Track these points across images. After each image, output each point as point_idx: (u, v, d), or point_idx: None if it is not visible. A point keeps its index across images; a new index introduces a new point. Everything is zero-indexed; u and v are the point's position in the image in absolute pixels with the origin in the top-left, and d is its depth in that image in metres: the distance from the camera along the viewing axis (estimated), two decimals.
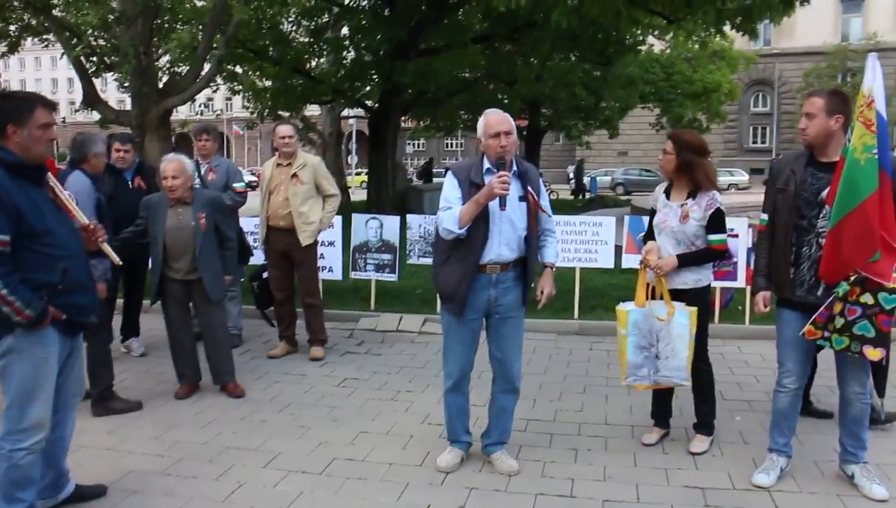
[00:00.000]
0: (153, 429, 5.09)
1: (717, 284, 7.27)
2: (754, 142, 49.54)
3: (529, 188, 4.21)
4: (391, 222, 8.56)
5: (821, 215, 3.90)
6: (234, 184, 7.04)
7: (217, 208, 5.84)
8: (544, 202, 4.35)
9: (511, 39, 17.28)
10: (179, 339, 5.85)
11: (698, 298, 4.60)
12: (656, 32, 22.29)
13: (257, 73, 19.31)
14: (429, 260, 8.42)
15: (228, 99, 47.90)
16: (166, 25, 14.97)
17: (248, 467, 4.46)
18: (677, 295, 4.55)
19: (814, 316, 3.84)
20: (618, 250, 8.30)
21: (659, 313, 4.52)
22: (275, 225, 6.67)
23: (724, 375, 6.22)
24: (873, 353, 3.75)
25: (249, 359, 6.81)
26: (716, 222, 4.52)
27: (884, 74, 3.74)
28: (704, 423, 4.76)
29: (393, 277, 8.51)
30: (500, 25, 15.89)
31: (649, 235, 4.80)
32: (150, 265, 6.13)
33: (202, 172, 6.96)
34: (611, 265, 8.29)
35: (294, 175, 6.62)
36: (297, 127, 8.96)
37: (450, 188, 4.21)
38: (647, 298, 4.58)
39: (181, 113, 16.30)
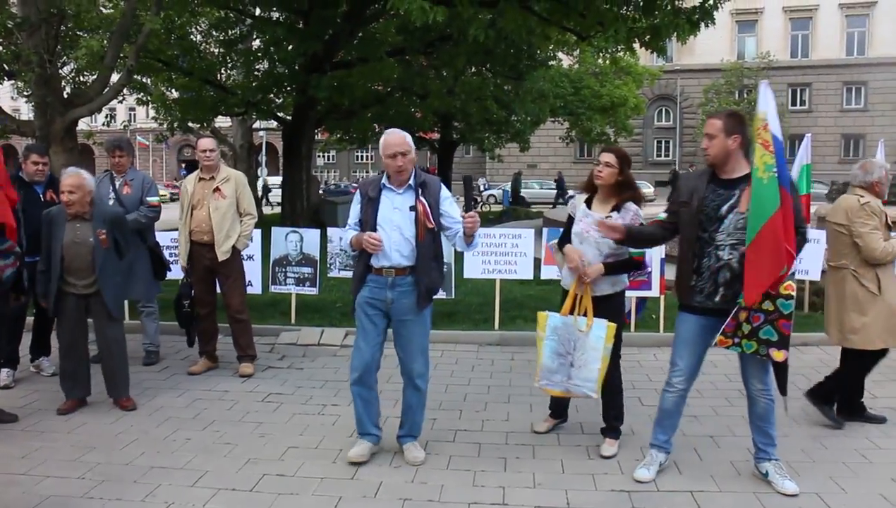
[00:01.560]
0: (71, 452, 4.91)
1: (632, 293, 7.48)
2: (658, 156, 51.09)
3: (422, 199, 4.57)
4: (311, 235, 8.51)
5: (720, 229, 4.16)
6: (149, 198, 6.86)
7: (118, 225, 5.79)
8: (448, 209, 4.71)
9: (425, 53, 17.40)
10: (72, 354, 5.73)
11: (616, 303, 4.85)
12: (565, 49, 22.83)
13: (166, 84, 18.88)
14: (349, 274, 8.42)
15: (132, 109, 46.63)
16: (70, 33, 14.49)
17: (176, 486, 4.36)
18: (597, 302, 4.73)
19: (723, 327, 4.13)
20: (536, 262, 8.46)
21: (579, 324, 4.68)
22: (198, 240, 6.55)
23: (642, 381, 6.45)
24: (778, 355, 4.07)
25: (169, 376, 6.65)
26: None
27: (774, 96, 4.10)
28: (612, 428, 4.95)
29: (314, 290, 8.46)
30: (415, 39, 16.00)
31: (564, 242, 4.97)
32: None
33: (117, 186, 6.78)
34: (530, 276, 8.44)
35: (216, 189, 6.52)
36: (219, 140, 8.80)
37: (354, 205, 4.75)
38: (572, 309, 4.73)
39: (85, 124, 15.72)
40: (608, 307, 4.77)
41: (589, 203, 4.91)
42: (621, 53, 20.44)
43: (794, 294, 4.06)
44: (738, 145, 4.18)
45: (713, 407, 5.77)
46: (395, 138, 4.55)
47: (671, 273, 4.91)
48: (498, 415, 5.63)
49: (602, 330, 4.65)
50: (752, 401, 4.36)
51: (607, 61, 25.31)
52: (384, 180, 4.64)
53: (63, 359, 5.79)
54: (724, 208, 4.15)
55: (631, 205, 4.76)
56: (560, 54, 25.21)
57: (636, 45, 13.34)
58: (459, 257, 8.24)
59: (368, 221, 4.58)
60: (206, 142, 6.66)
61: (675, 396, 4.45)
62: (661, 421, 4.52)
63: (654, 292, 7.82)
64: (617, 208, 4.75)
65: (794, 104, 47.35)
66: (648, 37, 11.98)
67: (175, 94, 19.43)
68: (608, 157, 4.79)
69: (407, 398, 4.84)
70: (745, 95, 43.09)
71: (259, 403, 5.94)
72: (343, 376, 6.65)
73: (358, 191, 4.79)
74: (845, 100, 47.32)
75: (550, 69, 23.86)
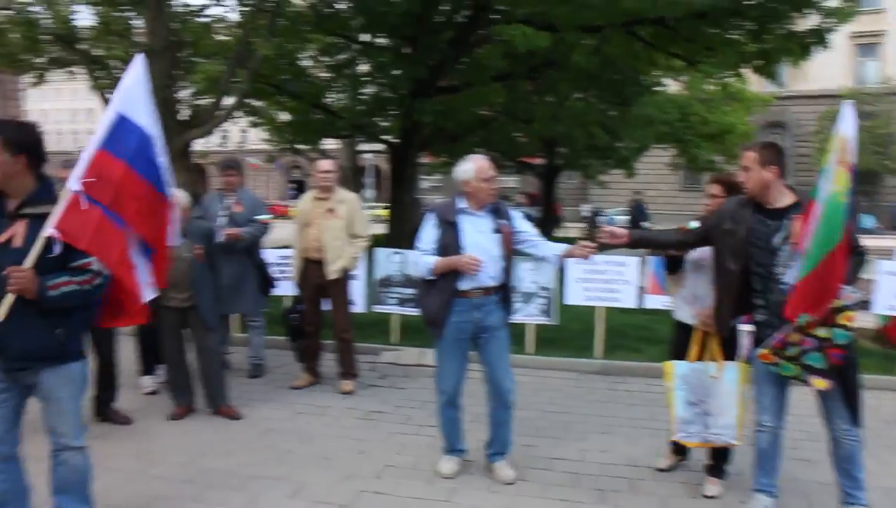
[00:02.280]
0: (179, 456, 5.11)
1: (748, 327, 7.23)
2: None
3: (503, 221, 4.71)
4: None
5: (776, 262, 3.98)
6: (259, 216, 7.08)
7: (210, 240, 6.07)
8: (524, 227, 4.84)
9: (530, 78, 17.41)
10: (176, 363, 6.07)
11: (732, 337, 4.64)
12: (672, 74, 22.45)
13: (277, 107, 19.50)
14: None
15: (245, 131, 48.33)
16: (189, 60, 15.18)
17: (275, 497, 4.46)
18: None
19: (772, 342, 3.92)
20: (640, 290, 8.29)
21: (709, 369, 4.54)
22: (310, 257, 6.70)
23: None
24: (819, 383, 3.84)
25: (273, 390, 6.81)
26: None
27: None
28: (716, 466, 4.76)
29: (416, 311, 8.50)
30: (520, 64, 16.04)
31: (674, 268, 4.89)
32: None
33: (228, 205, 7.02)
34: (633, 305, 8.26)
35: (331, 209, 6.66)
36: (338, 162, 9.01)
37: (427, 229, 4.75)
38: (698, 356, 4.61)
39: (200, 145, 16.42)
40: (726, 342, 4.60)
41: None
42: (731, 79, 19.96)
43: (853, 325, 3.81)
44: (776, 176, 4.03)
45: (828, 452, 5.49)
46: (488, 163, 4.69)
47: None
48: (597, 446, 5.52)
49: (734, 373, 4.51)
50: (835, 443, 4.09)
51: (715, 87, 24.81)
52: (461, 204, 4.70)
53: (169, 370, 6.11)
54: (776, 239, 3.98)
55: None
56: (667, 80, 24.78)
57: (746, 71, 13.04)
58: (561, 283, 8.17)
59: (452, 245, 4.60)
60: (326, 164, 6.82)
61: (768, 435, 4.19)
62: (761, 463, 4.26)
63: None
64: None
65: None
66: (759, 62, 11.68)
67: (285, 117, 20.03)
68: (714, 189, 4.73)
69: (497, 415, 4.87)
70: (865, 122, 41.21)
71: (358, 420, 6.02)
72: None
73: (432, 215, 4.79)
74: None
75: (657, 95, 23.46)
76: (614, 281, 8.09)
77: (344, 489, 4.60)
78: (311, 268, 6.72)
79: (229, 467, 4.92)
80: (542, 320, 8.15)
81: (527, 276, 8.01)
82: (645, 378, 7.30)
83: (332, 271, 6.62)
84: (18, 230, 3.28)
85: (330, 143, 23.78)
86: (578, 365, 7.75)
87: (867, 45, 45.48)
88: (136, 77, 3.76)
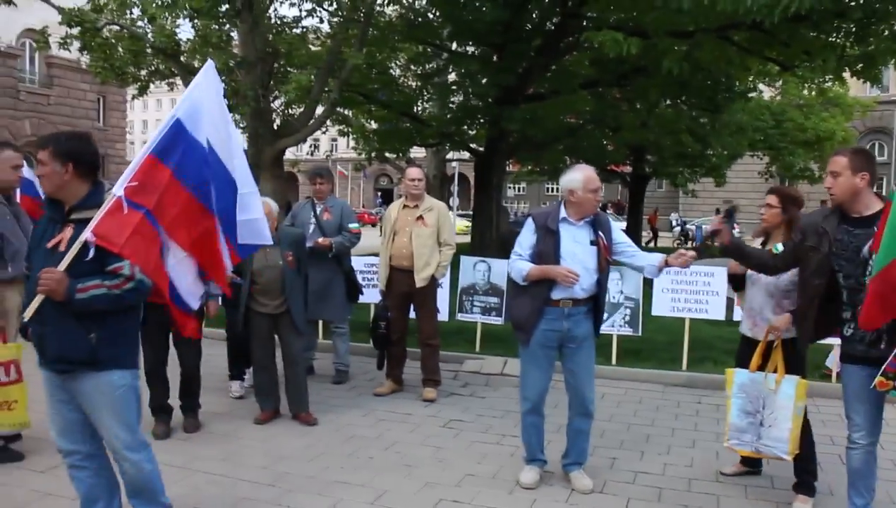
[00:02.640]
0: (263, 460, 5.22)
1: (835, 340, 6.97)
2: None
3: (600, 233, 4.69)
4: (499, 265, 8.59)
5: (866, 273, 3.78)
6: (350, 225, 7.20)
7: (300, 246, 6.21)
8: (622, 238, 4.85)
9: (618, 85, 17.21)
10: (264, 368, 6.17)
11: (798, 351, 4.51)
12: (767, 79, 21.83)
13: (366, 116, 19.78)
14: None
15: (334, 140, 49.25)
16: (282, 70, 15.54)
17: (356, 502, 4.51)
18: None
19: (884, 366, 3.69)
20: (729, 302, 8.08)
21: (769, 381, 4.48)
22: (398, 265, 6.77)
23: (844, 437, 5.95)
24: None
25: (356, 396, 6.91)
26: None
27: None
28: (805, 483, 4.63)
29: (499, 320, 8.52)
30: (608, 72, 15.87)
31: (738, 284, 4.96)
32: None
33: (318, 212, 7.16)
34: (721, 317, 8.06)
35: (420, 217, 6.73)
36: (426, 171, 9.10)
37: (526, 235, 4.76)
38: (758, 366, 4.56)
39: (291, 153, 16.80)
40: (789, 355, 4.49)
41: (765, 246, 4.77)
42: (829, 84, 19.28)
43: None
44: (867, 183, 3.88)
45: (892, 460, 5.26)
46: (594, 174, 4.71)
47: None
48: (681, 460, 5.40)
49: (791, 387, 4.41)
50: None
51: (813, 92, 24.01)
52: (563, 213, 4.69)
53: (256, 374, 6.22)
54: (866, 249, 3.80)
55: None
56: (761, 85, 24.09)
57: (847, 75, 12.55)
58: (648, 294, 8.04)
59: (549, 253, 4.61)
60: (415, 172, 6.91)
61: (861, 452, 4.00)
62: (854, 482, 4.07)
63: None
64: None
65: None
66: (861, 65, 11.21)
67: (374, 126, 20.30)
68: (771, 198, 4.73)
69: (577, 425, 4.88)
70: None
71: (440, 428, 6.05)
72: None
73: (531, 221, 4.80)
74: None
75: (750, 101, 22.84)
76: (702, 293, 7.92)
77: (424, 497, 4.63)
78: (398, 276, 6.79)
79: (311, 472, 5.01)
80: (627, 331, 8.03)
81: (612, 286, 7.90)
82: None
83: (421, 278, 6.68)
84: (65, 235, 3.38)
85: (417, 152, 24.00)
86: (663, 377, 7.61)
87: None
88: (203, 83, 3.79)
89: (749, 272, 4.76)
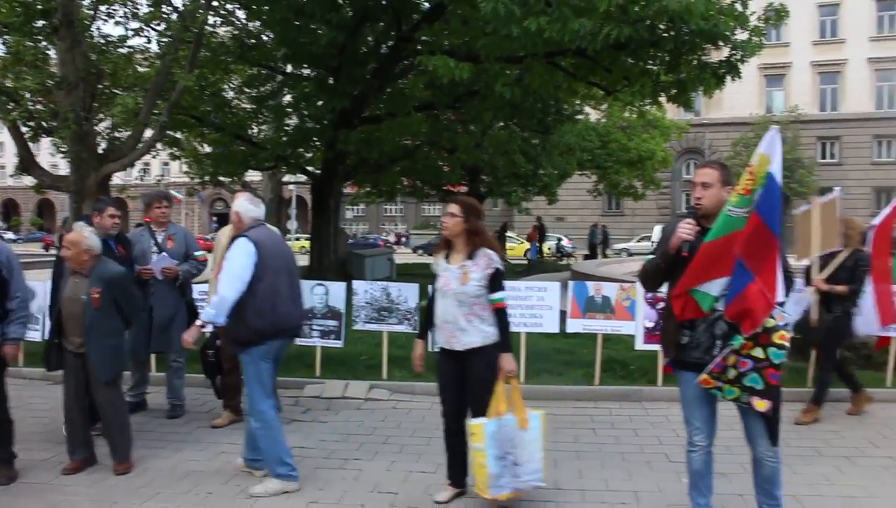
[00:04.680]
0: (92, 506, 4.90)
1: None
2: (686, 208, 50.98)
3: None
4: (336, 288, 8.53)
5: None
6: (197, 254, 6.97)
7: (117, 286, 5.49)
8: None
9: (453, 108, 17.60)
10: (70, 413, 5.52)
11: (494, 353, 4.65)
12: (593, 103, 22.99)
13: (198, 139, 19.23)
14: (375, 326, 8.42)
15: (166, 164, 47.48)
16: (107, 91, 14.86)
17: None
18: (470, 354, 4.66)
19: (710, 366, 3.96)
20: (562, 315, 8.40)
21: (514, 422, 4.58)
22: None
23: (669, 437, 6.32)
24: (760, 404, 3.91)
25: (193, 430, 6.65)
26: (496, 281, 4.66)
27: (782, 144, 3.99)
28: None
29: (338, 343, 8.46)
30: (443, 95, 16.20)
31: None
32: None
33: (160, 240, 6.89)
34: (556, 330, 8.36)
35: None
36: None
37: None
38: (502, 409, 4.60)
39: (118, 178, 16.05)
40: (488, 358, 4.64)
41: (449, 258, 4.84)
42: (648, 107, 20.55)
43: (787, 345, 3.90)
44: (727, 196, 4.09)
45: (742, 464, 5.57)
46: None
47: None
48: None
49: (538, 421, 4.67)
50: (757, 463, 4.12)
51: (635, 115, 25.59)
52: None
53: (65, 419, 5.63)
54: None
55: (484, 251, 4.68)
56: (588, 108, 25.37)
57: (663, 99, 13.46)
58: None
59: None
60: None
61: (702, 454, 4.23)
62: (696, 483, 4.28)
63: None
64: (470, 256, 4.69)
65: (823, 157, 47.22)
66: (675, 91, 12.08)
67: (207, 149, 19.76)
68: (452, 208, 4.75)
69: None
70: None
71: None
72: (366, 430, 6.63)
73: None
74: (876, 153, 47.04)
75: (578, 123, 23.98)
76: (536, 307, 8.19)
77: None
78: None
79: None
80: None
81: None
82: (571, 401, 7.45)
83: None
84: None
85: (253, 175, 23.53)
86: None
87: (775, 77, 47.80)
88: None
89: (438, 285, 4.78)
